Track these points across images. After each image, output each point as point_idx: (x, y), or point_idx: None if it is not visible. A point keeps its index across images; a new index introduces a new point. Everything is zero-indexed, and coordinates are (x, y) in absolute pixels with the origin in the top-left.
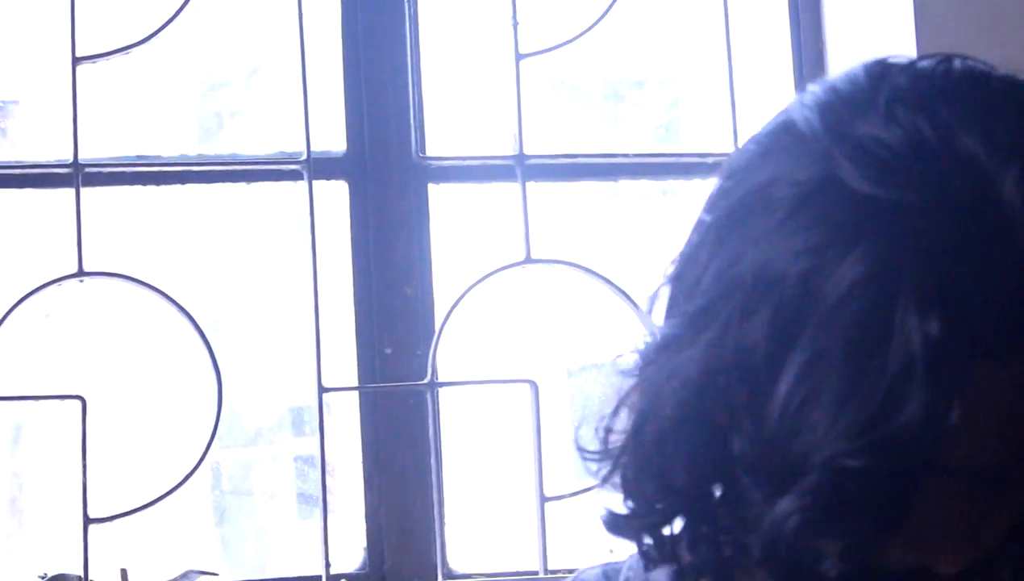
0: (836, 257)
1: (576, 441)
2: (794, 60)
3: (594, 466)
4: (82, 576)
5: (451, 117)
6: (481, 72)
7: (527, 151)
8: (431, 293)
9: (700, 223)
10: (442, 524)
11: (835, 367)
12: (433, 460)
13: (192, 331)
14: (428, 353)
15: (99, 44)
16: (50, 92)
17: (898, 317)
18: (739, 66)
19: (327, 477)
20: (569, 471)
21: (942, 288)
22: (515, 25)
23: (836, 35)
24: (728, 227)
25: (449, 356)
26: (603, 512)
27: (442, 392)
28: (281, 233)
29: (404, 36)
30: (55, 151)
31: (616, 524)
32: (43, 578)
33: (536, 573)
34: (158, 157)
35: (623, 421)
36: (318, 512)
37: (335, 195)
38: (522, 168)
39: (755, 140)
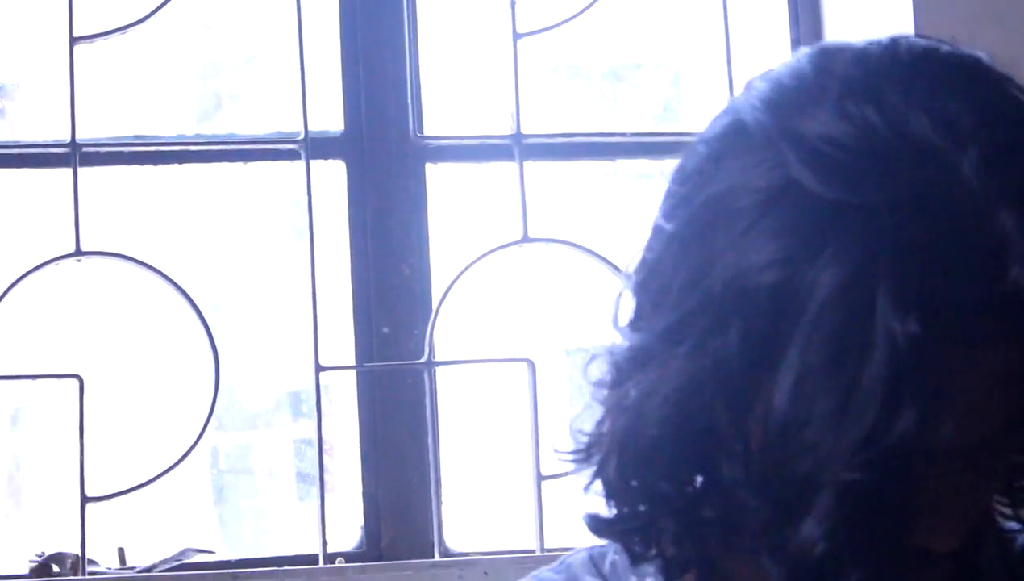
0: (805, 265)
1: (569, 431)
2: (791, 38)
3: (576, 467)
4: (79, 554)
5: (449, 97)
6: (479, 52)
7: (525, 131)
8: (428, 272)
9: (660, 230)
10: (439, 503)
11: (824, 383)
12: (430, 439)
13: (189, 310)
14: (425, 332)
15: (97, 24)
16: (48, 72)
17: (878, 322)
18: (737, 45)
19: (325, 457)
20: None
21: (916, 286)
22: (512, 4)
23: (834, 12)
24: (691, 237)
25: (446, 335)
26: (585, 516)
27: (439, 371)
28: (278, 213)
29: (402, 15)
30: (53, 131)
31: (600, 528)
32: (40, 556)
33: (533, 551)
34: (156, 137)
35: (604, 436)
36: (315, 491)
37: (333, 175)
38: (520, 147)
39: (705, 142)
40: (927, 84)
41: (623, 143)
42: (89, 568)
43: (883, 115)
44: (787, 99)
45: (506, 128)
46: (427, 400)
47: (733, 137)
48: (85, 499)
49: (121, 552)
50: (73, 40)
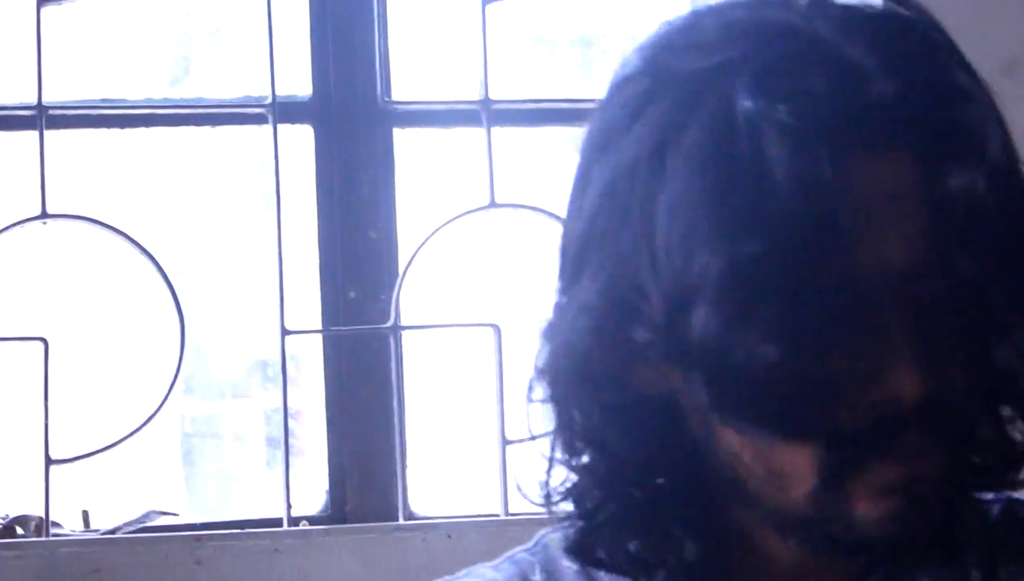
0: (673, 134)
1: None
2: None
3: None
4: (43, 517)
5: (417, 62)
6: (447, 17)
7: (493, 96)
8: (395, 237)
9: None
10: (404, 467)
11: (703, 199)
12: (396, 403)
13: (156, 273)
14: (392, 297)
15: None
16: (14, 34)
17: (739, 117)
18: None
19: (293, 422)
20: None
21: (780, 81)
22: None
23: None
24: (585, 166)
25: (413, 300)
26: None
27: (405, 335)
28: (246, 177)
29: None
30: (19, 93)
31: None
32: (4, 519)
33: (497, 515)
34: (123, 100)
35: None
36: (280, 454)
37: (300, 139)
38: (488, 113)
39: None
40: None
41: (591, 109)
42: (53, 530)
43: (745, 8)
44: (661, 43)
45: (474, 93)
46: (393, 364)
47: (617, 84)
48: (49, 461)
49: (85, 514)
50: (41, 2)
